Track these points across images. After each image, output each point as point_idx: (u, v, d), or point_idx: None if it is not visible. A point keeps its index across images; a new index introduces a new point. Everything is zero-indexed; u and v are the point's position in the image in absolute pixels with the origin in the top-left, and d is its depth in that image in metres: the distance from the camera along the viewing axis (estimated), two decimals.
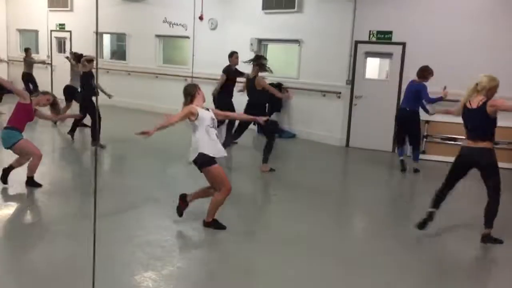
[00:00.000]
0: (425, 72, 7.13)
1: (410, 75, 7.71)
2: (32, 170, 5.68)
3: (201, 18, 11.55)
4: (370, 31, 9.09)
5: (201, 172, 4.45)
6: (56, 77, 13.84)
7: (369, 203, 5.97)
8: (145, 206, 5.29)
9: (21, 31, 14.99)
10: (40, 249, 4.19)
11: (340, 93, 9.42)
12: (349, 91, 9.37)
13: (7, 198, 5.48)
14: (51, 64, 14.12)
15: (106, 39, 14.05)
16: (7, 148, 5.55)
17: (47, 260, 3.89)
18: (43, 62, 13.28)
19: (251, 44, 10.79)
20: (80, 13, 13.56)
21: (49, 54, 14.22)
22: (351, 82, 9.32)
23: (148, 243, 4.23)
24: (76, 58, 9.49)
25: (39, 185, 5.72)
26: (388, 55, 9.13)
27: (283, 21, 10.20)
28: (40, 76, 13.46)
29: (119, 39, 13.93)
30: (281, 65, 11.30)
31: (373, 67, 10.30)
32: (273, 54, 10.94)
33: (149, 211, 5.16)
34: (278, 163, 7.43)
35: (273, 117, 10.33)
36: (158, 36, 12.52)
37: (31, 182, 5.69)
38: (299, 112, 10.18)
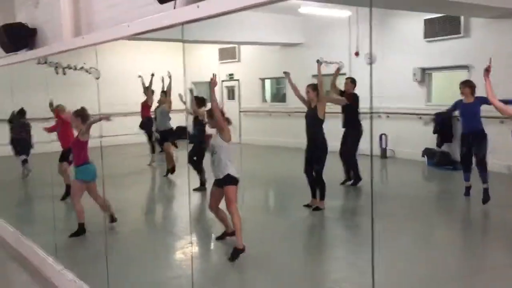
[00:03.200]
0: None
1: None
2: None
3: (356, 54, 11.66)
4: None
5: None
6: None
7: None
8: None
9: (195, 84, 16.89)
10: None
11: None
12: None
13: None
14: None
15: (267, 84, 14.99)
16: None
17: None
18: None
19: (414, 74, 10.49)
20: (246, 63, 14.83)
21: (222, 102, 15.74)
22: None
23: None
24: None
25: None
26: None
27: (448, 48, 9.72)
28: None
29: (278, 82, 14.78)
30: (448, 93, 10.71)
31: None
32: (439, 82, 10.45)
33: None
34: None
35: (444, 148, 9.74)
36: (314, 76, 12.92)
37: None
38: None
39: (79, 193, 5.46)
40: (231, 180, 4.73)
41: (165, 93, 9.11)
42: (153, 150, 10.36)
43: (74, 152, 5.51)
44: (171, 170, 8.60)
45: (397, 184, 7.78)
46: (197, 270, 4.61)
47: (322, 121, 6.36)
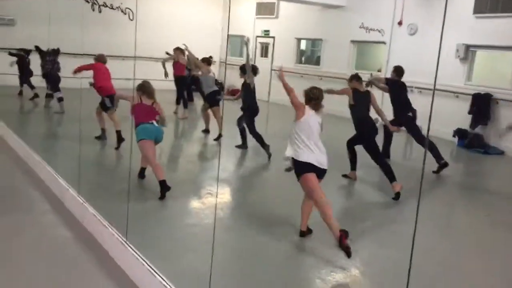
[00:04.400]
0: None
1: None
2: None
3: (400, 23, 11.19)
4: None
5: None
6: (257, 79, 14.93)
7: None
8: None
9: (230, 37, 16.58)
10: None
11: None
12: None
13: None
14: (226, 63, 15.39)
15: (303, 44, 14.62)
16: None
17: None
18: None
19: (457, 50, 10.02)
20: (284, 20, 14.40)
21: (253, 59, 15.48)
22: None
23: None
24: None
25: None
26: None
27: (497, 26, 9.20)
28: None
29: (314, 44, 14.39)
30: (490, 74, 10.26)
31: None
32: (481, 62, 9.98)
33: None
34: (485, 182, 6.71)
35: (478, 130, 9.42)
36: (353, 41, 12.54)
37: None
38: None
39: (153, 151, 5.35)
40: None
41: (207, 61, 9.02)
42: (178, 102, 10.67)
43: (138, 113, 5.35)
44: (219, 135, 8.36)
45: (420, 161, 7.56)
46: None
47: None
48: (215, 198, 5.42)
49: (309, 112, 4.29)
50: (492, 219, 5.47)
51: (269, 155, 7.19)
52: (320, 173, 4.18)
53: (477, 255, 4.44)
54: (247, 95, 7.42)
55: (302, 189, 4.26)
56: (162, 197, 5.09)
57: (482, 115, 9.34)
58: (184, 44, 9.61)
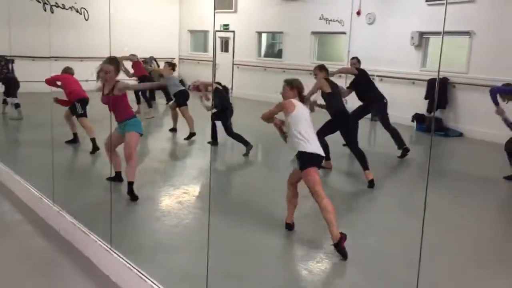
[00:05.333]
0: None
1: None
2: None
3: (358, 13, 11.45)
4: None
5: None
6: (219, 75, 14.96)
7: None
8: None
9: (192, 32, 16.40)
10: None
11: None
12: None
13: None
14: (214, 62, 15.26)
15: (264, 38, 14.66)
16: None
17: None
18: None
19: (412, 38, 10.37)
20: (243, 14, 14.40)
21: (214, 54, 15.40)
22: None
23: None
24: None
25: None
26: None
27: (450, 13, 9.55)
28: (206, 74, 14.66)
29: (275, 37, 14.48)
30: (445, 59, 10.65)
31: None
32: (436, 48, 10.35)
33: None
34: (447, 163, 7.01)
35: (437, 114, 9.81)
36: (313, 33, 12.71)
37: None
38: (467, 109, 9.48)
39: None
40: None
41: (172, 66, 8.92)
42: (138, 102, 10.49)
43: (115, 108, 5.04)
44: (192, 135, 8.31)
45: (384, 147, 7.83)
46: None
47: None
48: (191, 197, 5.42)
49: (297, 103, 4.27)
50: (461, 200, 5.75)
51: (247, 152, 7.22)
52: (320, 162, 4.22)
53: (450, 234, 4.65)
54: (222, 98, 7.44)
55: (306, 183, 4.09)
56: (135, 198, 5.06)
57: (439, 99, 9.72)
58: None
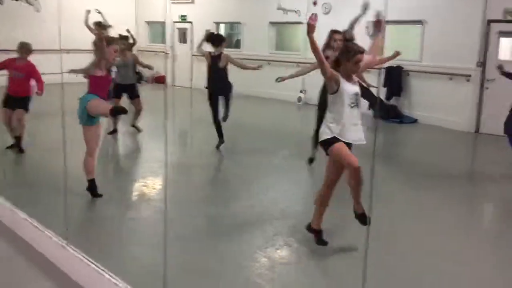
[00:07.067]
0: None
1: None
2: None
3: (315, 3, 11.56)
4: (504, 8, 8.43)
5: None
6: (177, 66, 14.77)
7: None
8: None
9: (149, 23, 16.07)
10: None
11: (469, 76, 8.89)
12: (479, 73, 8.81)
13: None
14: (172, 54, 15.06)
15: (222, 29, 14.57)
16: None
17: None
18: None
19: (367, 27, 10.55)
20: (200, 5, 14.23)
21: (172, 45, 15.19)
22: (483, 64, 8.74)
23: None
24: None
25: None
26: None
27: (403, 1, 9.82)
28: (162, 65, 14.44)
29: (233, 28, 14.41)
30: (400, 48, 10.89)
31: (508, 48, 9.52)
32: (391, 36, 10.60)
33: None
34: (403, 150, 7.24)
35: (393, 101, 10.08)
36: (271, 23, 12.74)
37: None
38: (421, 96, 9.79)
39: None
40: None
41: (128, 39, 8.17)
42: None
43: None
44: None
45: None
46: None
47: None
48: (150, 189, 5.36)
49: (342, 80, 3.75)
50: (425, 186, 5.92)
51: (218, 146, 7.13)
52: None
53: (419, 220, 4.80)
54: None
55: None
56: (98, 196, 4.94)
57: (395, 87, 9.99)
58: (97, 9, 8.98)
